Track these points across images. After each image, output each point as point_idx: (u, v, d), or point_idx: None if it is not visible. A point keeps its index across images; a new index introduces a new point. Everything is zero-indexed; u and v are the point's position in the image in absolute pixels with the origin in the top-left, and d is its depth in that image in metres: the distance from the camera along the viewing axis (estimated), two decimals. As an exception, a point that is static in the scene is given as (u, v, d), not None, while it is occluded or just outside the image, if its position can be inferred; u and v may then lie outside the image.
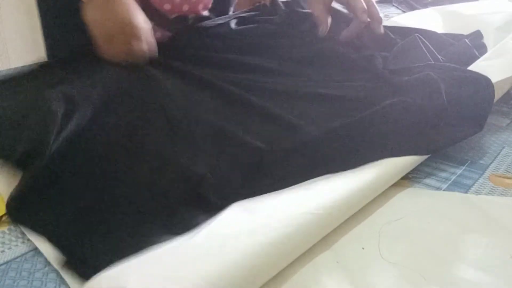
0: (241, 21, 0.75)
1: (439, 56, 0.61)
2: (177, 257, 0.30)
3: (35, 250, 0.35)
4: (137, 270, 0.29)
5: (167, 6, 0.70)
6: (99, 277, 0.29)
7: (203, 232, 0.32)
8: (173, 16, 0.71)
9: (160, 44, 0.63)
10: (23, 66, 0.65)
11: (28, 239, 0.36)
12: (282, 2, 0.82)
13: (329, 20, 0.69)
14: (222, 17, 0.75)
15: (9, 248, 0.36)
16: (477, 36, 0.72)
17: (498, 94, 0.54)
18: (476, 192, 0.43)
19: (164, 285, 0.28)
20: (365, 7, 0.66)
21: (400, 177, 0.43)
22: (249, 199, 0.37)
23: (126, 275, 0.28)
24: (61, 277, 0.33)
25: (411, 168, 0.44)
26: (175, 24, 0.70)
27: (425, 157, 0.45)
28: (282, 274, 0.33)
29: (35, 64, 0.65)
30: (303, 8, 0.78)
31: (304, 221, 0.34)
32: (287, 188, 0.38)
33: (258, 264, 0.31)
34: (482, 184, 0.44)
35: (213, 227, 0.33)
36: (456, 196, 0.42)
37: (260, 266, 0.31)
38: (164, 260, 0.30)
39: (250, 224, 0.33)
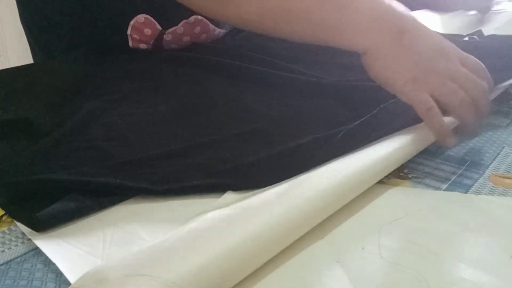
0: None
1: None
2: (157, 250, 0.31)
3: (35, 250, 0.35)
4: (120, 263, 0.29)
5: (167, 37, 0.69)
6: (86, 273, 0.29)
7: (185, 229, 0.33)
8: (172, 46, 0.70)
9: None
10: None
11: (29, 239, 0.36)
12: None
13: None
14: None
15: (9, 248, 0.35)
16: (479, 36, 0.72)
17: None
18: (476, 192, 0.43)
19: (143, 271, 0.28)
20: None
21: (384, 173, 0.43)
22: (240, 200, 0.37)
23: (108, 268, 0.29)
24: (61, 277, 0.33)
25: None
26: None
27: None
28: (281, 273, 0.33)
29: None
30: None
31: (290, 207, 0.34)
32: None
33: (237, 255, 0.31)
34: (482, 184, 0.44)
35: (197, 224, 0.33)
36: (456, 196, 0.42)
37: (239, 257, 0.31)
38: (145, 254, 0.30)
39: (229, 218, 0.33)
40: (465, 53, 0.46)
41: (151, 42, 0.68)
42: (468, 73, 0.44)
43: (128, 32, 0.66)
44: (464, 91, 0.43)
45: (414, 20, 0.44)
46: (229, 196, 0.39)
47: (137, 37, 0.67)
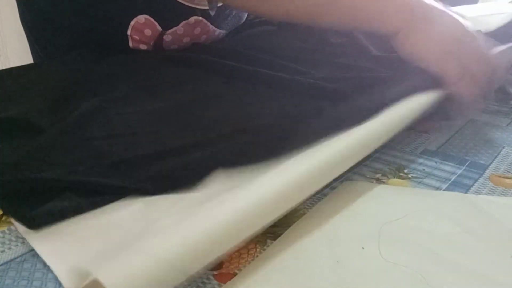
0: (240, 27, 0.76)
1: None
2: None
3: (35, 250, 0.35)
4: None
5: (167, 37, 0.69)
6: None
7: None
8: (172, 47, 0.70)
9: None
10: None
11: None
12: None
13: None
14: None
15: (9, 248, 0.35)
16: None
17: None
18: (476, 192, 0.43)
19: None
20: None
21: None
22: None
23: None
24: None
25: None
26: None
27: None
28: (281, 273, 0.33)
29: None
30: None
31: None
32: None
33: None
34: (482, 184, 0.44)
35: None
36: (456, 196, 0.42)
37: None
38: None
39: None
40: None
41: (152, 43, 0.68)
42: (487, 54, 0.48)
43: (128, 32, 0.66)
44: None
45: (436, 8, 0.50)
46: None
47: (137, 38, 0.67)
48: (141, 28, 0.66)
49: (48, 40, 0.73)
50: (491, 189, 0.43)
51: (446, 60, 0.47)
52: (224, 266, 0.34)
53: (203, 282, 0.32)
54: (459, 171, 0.46)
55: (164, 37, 0.67)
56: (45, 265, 0.34)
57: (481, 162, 0.48)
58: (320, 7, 0.52)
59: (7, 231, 0.37)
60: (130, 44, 0.67)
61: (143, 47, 0.68)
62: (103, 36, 0.68)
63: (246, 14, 0.82)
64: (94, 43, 0.68)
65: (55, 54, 0.72)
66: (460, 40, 0.48)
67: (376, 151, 0.46)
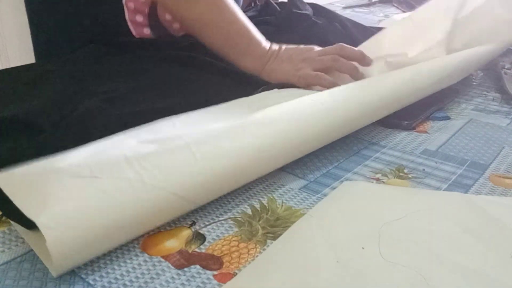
0: None
1: None
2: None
3: (35, 250, 0.35)
4: None
5: (176, 25, 0.70)
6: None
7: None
8: (180, 34, 0.71)
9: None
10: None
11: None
12: (277, 3, 0.82)
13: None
14: None
15: (9, 248, 0.36)
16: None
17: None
18: (476, 192, 0.43)
19: None
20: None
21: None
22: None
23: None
24: (61, 277, 0.33)
25: None
26: (182, 42, 0.70)
27: None
28: (282, 273, 0.33)
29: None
30: (299, 9, 0.78)
31: None
32: None
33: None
34: (482, 184, 0.44)
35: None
36: (456, 196, 0.42)
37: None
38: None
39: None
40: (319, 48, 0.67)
41: (146, 11, 0.68)
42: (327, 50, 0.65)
43: (124, 1, 0.67)
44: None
45: (280, 46, 0.68)
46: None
47: (132, 6, 0.67)
48: None
49: (50, 39, 0.73)
50: (491, 189, 0.43)
51: (302, 75, 0.63)
52: (224, 266, 0.34)
53: (203, 282, 0.32)
54: (459, 171, 0.46)
55: (174, 25, 0.69)
56: (45, 266, 0.34)
57: (481, 162, 0.48)
58: (205, 30, 0.66)
59: (7, 231, 0.37)
60: (126, 16, 0.68)
61: (139, 18, 0.68)
62: (103, 36, 0.68)
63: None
64: (95, 42, 0.68)
65: (56, 53, 0.72)
66: (299, 52, 0.66)
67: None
